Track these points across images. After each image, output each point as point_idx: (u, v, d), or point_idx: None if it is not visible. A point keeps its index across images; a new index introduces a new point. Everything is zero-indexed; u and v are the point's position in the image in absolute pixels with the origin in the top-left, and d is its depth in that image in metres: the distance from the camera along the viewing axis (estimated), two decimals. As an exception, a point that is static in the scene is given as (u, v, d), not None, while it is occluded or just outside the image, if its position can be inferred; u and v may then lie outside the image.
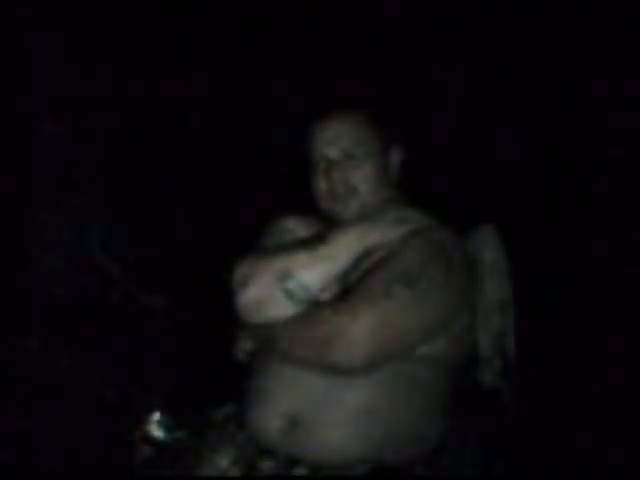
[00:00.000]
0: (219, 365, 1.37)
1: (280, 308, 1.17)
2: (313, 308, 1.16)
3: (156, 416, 1.42)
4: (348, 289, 1.18)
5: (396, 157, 1.35)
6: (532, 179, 2.13)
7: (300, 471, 1.16)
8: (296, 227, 1.37)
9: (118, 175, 2.31)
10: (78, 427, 1.84)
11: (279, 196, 2.01)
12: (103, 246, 2.15)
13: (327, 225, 1.33)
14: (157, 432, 1.41)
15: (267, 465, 1.19)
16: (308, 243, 1.19)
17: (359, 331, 1.10)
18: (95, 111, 2.30)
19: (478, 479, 1.32)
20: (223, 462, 1.22)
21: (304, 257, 1.16)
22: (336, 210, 1.29)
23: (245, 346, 1.33)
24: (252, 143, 2.43)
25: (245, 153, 2.43)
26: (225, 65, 2.46)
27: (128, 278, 2.14)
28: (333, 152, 1.28)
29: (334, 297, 1.20)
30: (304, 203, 1.37)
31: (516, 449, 1.45)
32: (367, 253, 1.19)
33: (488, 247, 1.32)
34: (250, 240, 1.37)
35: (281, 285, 1.15)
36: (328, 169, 1.27)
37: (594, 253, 2.02)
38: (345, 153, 1.27)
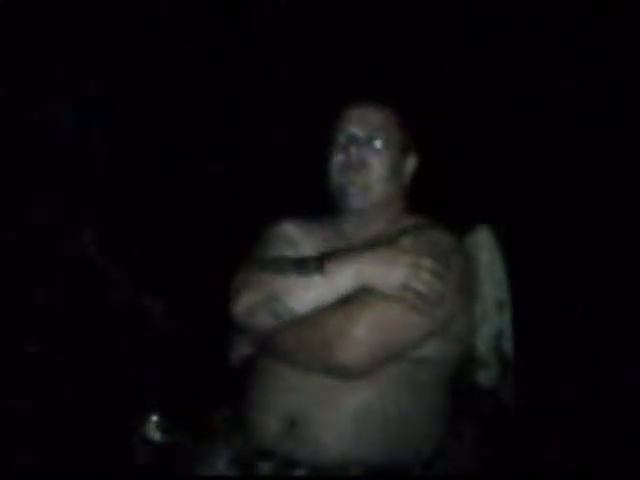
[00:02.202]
0: (217, 367, 1.37)
1: (266, 324, 1.18)
2: (313, 310, 1.16)
3: (154, 418, 1.42)
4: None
5: (411, 164, 1.37)
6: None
7: (298, 472, 1.15)
8: (294, 233, 1.36)
9: (116, 176, 2.31)
10: (75, 429, 1.84)
11: (278, 198, 2.01)
12: (101, 247, 2.15)
13: (327, 230, 1.33)
14: (155, 434, 1.41)
15: (265, 466, 1.18)
16: (304, 265, 1.17)
17: (359, 332, 1.10)
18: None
19: (477, 480, 1.31)
20: (220, 464, 1.22)
21: (295, 281, 1.15)
22: (344, 184, 1.28)
23: (241, 351, 1.33)
24: (251, 146, 2.43)
25: (244, 156, 2.43)
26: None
27: (127, 280, 2.14)
28: (357, 131, 1.29)
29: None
30: (303, 206, 1.37)
31: (515, 450, 1.44)
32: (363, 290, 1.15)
33: (485, 248, 1.32)
34: (250, 243, 1.36)
35: (268, 305, 1.16)
36: (348, 144, 1.29)
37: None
38: (368, 136, 1.29)
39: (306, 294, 1.14)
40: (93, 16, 2.32)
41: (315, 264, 1.16)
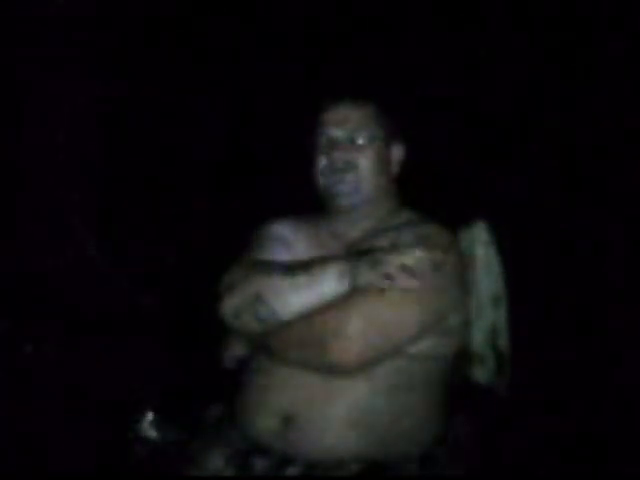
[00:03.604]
0: (212, 364, 1.37)
1: (252, 326, 1.19)
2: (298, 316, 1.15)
3: (150, 416, 1.43)
4: None
5: (397, 154, 1.36)
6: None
7: (294, 470, 1.15)
8: (287, 233, 1.36)
9: (112, 176, 2.32)
10: (71, 426, 1.84)
11: (272, 196, 2.01)
12: (98, 245, 2.16)
13: (319, 229, 1.33)
14: (151, 432, 1.41)
15: (261, 464, 1.18)
16: (290, 267, 1.17)
17: (353, 330, 1.10)
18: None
19: (474, 478, 1.31)
20: (216, 461, 1.22)
21: (281, 282, 1.15)
22: (332, 185, 1.28)
23: (234, 352, 1.33)
24: (247, 145, 2.43)
25: (239, 154, 2.44)
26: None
27: (123, 277, 2.15)
28: (338, 133, 1.28)
29: None
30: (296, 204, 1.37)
31: (512, 445, 1.44)
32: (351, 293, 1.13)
33: (481, 243, 1.32)
34: (243, 241, 1.36)
35: (253, 308, 1.16)
36: (330, 148, 1.28)
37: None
38: (349, 136, 1.28)
39: (291, 297, 1.14)
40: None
41: (300, 266, 1.16)
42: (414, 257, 1.11)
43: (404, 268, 1.08)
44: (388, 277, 1.08)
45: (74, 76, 2.34)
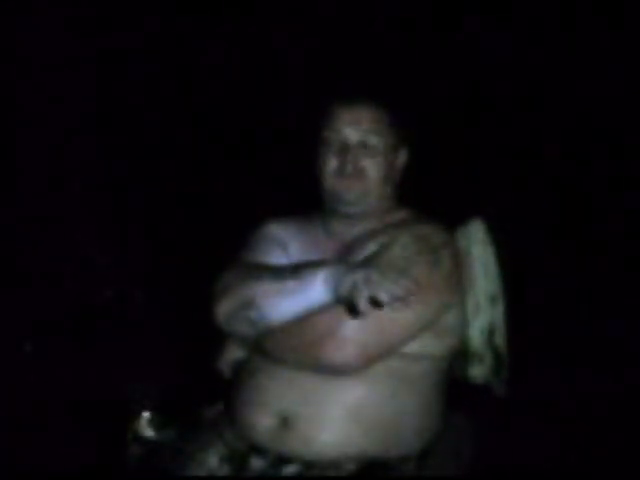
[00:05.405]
0: (209, 363, 1.37)
1: (243, 331, 1.19)
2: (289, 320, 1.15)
3: (147, 415, 1.42)
4: None
5: (402, 159, 1.35)
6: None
7: (291, 469, 1.15)
8: (281, 234, 1.35)
9: (111, 176, 2.32)
10: (71, 426, 1.85)
11: (269, 195, 2.01)
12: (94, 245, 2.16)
13: (315, 228, 1.33)
14: (148, 431, 1.41)
15: (258, 463, 1.18)
16: (281, 271, 1.17)
17: (347, 332, 1.09)
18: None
19: (473, 478, 1.31)
20: (212, 460, 1.22)
21: (270, 287, 1.14)
22: (340, 192, 1.26)
23: (230, 355, 1.33)
24: (241, 144, 2.43)
25: (232, 153, 2.44)
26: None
27: (122, 276, 2.15)
28: (351, 134, 1.26)
29: None
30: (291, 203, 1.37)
31: (510, 445, 1.44)
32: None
33: (477, 241, 1.31)
34: (241, 240, 1.36)
35: (243, 312, 1.16)
36: (342, 150, 1.26)
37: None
38: (362, 139, 1.26)
39: (280, 301, 1.13)
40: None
41: (291, 270, 1.15)
42: (403, 284, 1.02)
43: (393, 296, 1.00)
44: (374, 302, 1.00)
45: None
